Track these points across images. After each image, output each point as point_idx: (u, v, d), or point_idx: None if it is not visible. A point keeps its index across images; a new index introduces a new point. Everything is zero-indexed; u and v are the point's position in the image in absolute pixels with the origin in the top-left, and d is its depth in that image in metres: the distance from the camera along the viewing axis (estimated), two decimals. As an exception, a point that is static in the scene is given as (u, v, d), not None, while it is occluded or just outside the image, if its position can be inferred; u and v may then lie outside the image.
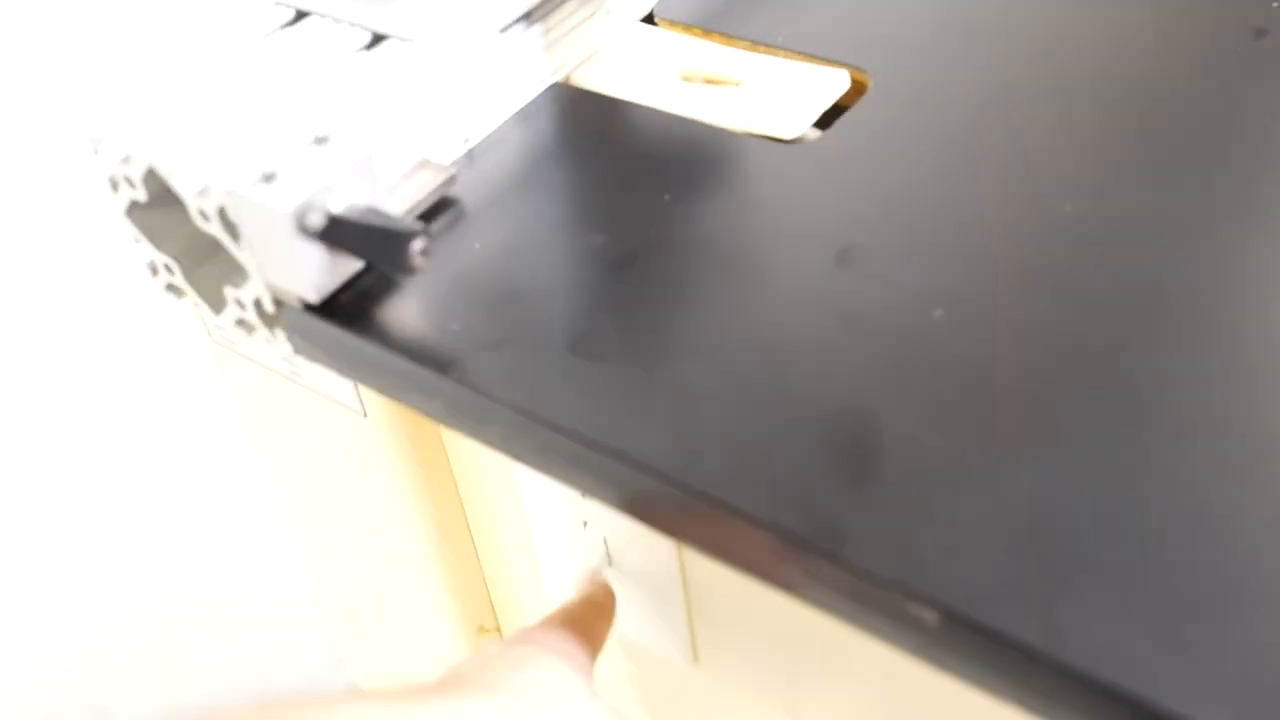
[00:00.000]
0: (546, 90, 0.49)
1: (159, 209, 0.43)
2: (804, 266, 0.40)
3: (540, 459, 0.37)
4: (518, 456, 0.38)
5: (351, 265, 0.40)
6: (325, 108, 0.42)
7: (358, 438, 0.51)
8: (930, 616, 0.30)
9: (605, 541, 0.49)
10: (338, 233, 0.36)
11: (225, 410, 0.61)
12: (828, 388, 0.36)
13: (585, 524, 0.48)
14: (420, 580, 0.57)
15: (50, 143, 1.40)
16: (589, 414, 0.36)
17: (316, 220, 0.35)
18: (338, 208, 0.37)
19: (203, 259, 0.43)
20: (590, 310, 0.40)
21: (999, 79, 0.47)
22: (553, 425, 0.36)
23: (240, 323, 0.43)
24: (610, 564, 0.49)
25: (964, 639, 0.30)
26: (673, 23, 0.52)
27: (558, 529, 0.50)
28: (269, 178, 0.38)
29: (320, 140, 0.39)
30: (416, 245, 0.37)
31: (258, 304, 0.42)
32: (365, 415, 0.50)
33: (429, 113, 0.44)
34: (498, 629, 0.60)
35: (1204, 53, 0.47)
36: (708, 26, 0.51)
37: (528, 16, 0.47)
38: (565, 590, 0.52)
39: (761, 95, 0.47)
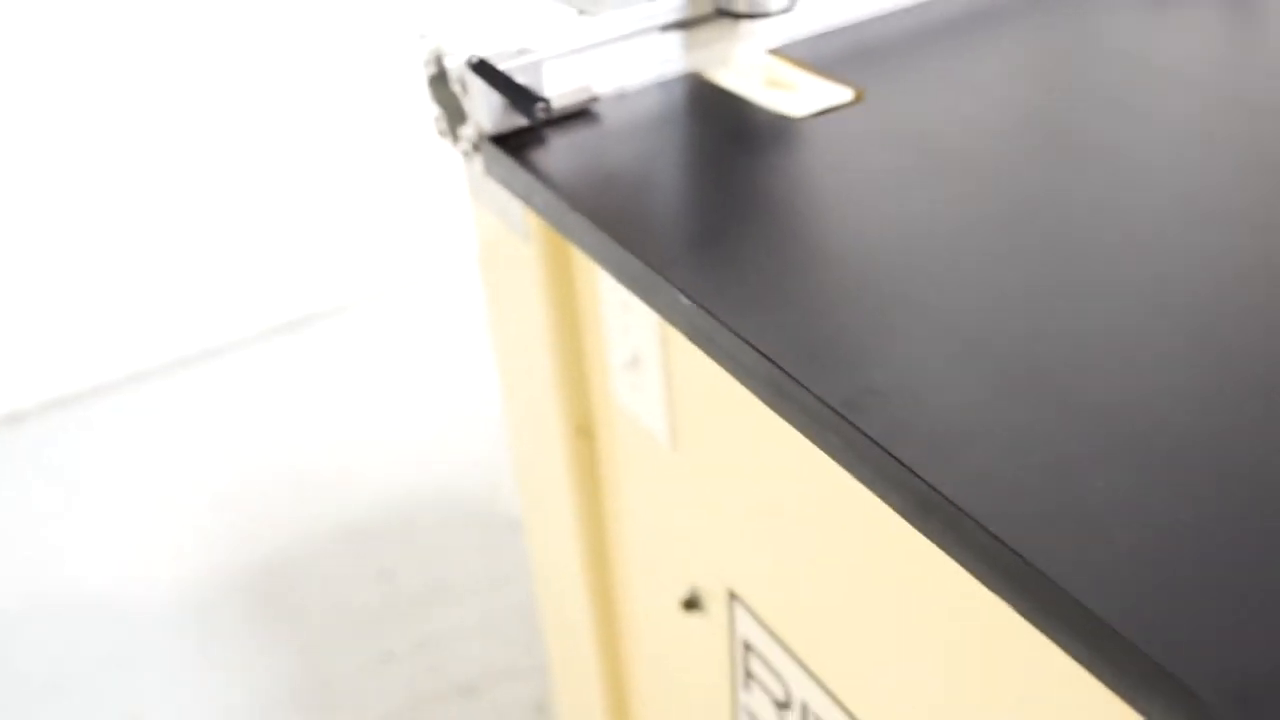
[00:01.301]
0: (684, 75, 0.80)
1: (440, 83, 0.77)
2: (764, 170, 0.68)
3: (579, 236, 0.68)
4: (562, 228, 0.69)
5: (517, 120, 0.73)
6: (537, 40, 0.75)
7: (519, 256, 0.83)
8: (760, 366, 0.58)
9: (635, 350, 0.78)
10: (493, 77, 0.68)
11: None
12: (785, 242, 0.64)
13: (627, 332, 0.78)
14: (541, 380, 0.88)
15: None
16: (601, 210, 0.66)
17: (473, 60, 0.68)
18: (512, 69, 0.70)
19: (455, 116, 0.78)
20: (639, 177, 0.70)
21: (946, 115, 0.73)
22: (581, 211, 0.67)
23: (464, 152, 0.77)
24: (636, 368, 0.78)
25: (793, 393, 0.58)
26: (783, 56, 0.81)
27: (617, 341, 0.80)
28: (479, 61, 0.71)
29: (521, 51, 0.72)
30: (539, 105, 0.69)
31: (470, 138, 0.75)
32: (527, 239, 0.82)
33: (600, 62, 0.76)
34: (592, 433, 0.90)
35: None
36: (799, 60, 0.80)
37: (677, 26, 0.78)
38: (619, 389, 0.81)
39: (797, 95, 0.75)
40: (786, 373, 0.54)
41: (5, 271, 2.04)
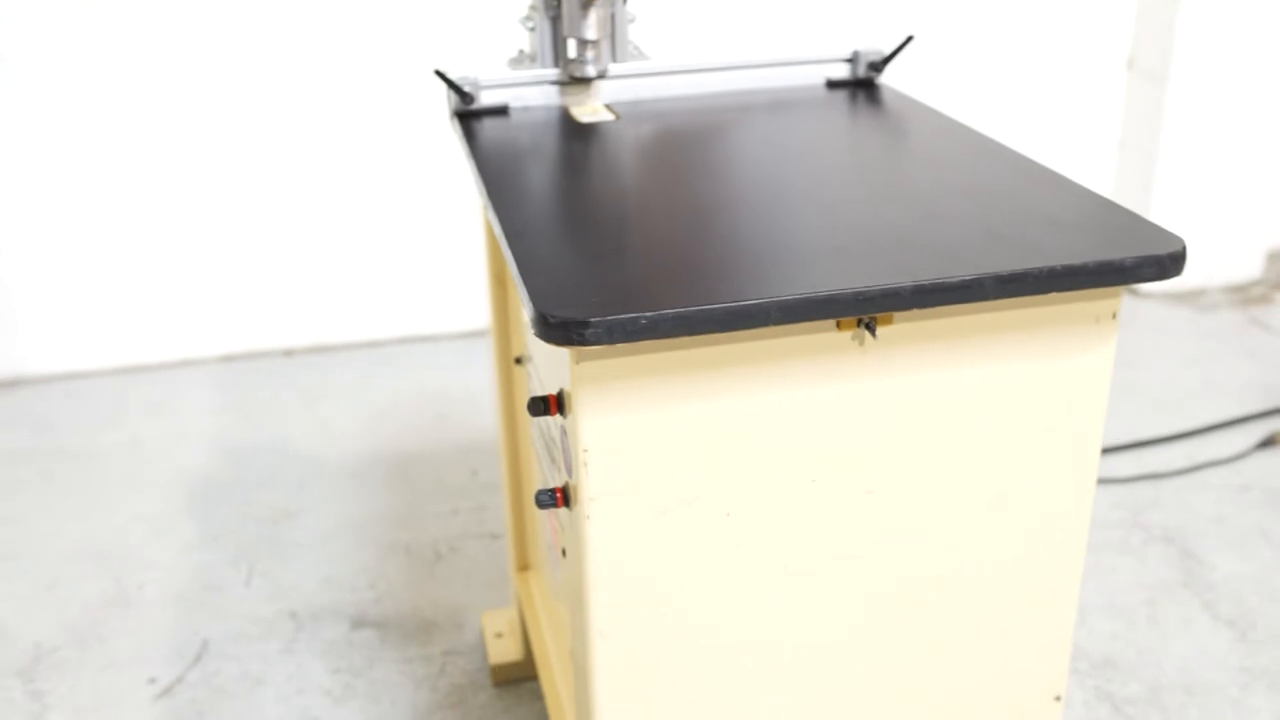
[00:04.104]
0: (558, 106, 1.69)
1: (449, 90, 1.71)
2: (565, 139, 1.57)
3: (479, 184, 1.58)
4: (468, 155, 1.59)
5: (466, 107, 1.65)
6: (482, 74, 1.66)
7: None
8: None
9: (505, 221, 1.66)
10: (448, 82, 1.60)
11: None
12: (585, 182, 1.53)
13: (502, 213, 1.66)
14: (481, 241, 1.77)
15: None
16: (489, 162, 1.57)
17: (437, 71, 1.60)
18: (460, 83, 1.63)
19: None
20: (518, 151, 1.60)
21: (648, 130, 1.59)
22: (476, 149, 1.57)
23: (452, 125, 1.69)
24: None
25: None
26: (609, 105, 1.69)
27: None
28: (439, 72, 1.64)
29: (473, 77, 1.65)
30: (466, 98, 1.61)
31: (450, 114, 1.68)
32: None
33: (516, 91, 1.67)
34: (506, 284, 1.77)
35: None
36: (610, 107, 1.68)
37: (558, 83, 1.69)
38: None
39: (595, 117, 1.64)
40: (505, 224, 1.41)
41: (315, 243, 3.14)
